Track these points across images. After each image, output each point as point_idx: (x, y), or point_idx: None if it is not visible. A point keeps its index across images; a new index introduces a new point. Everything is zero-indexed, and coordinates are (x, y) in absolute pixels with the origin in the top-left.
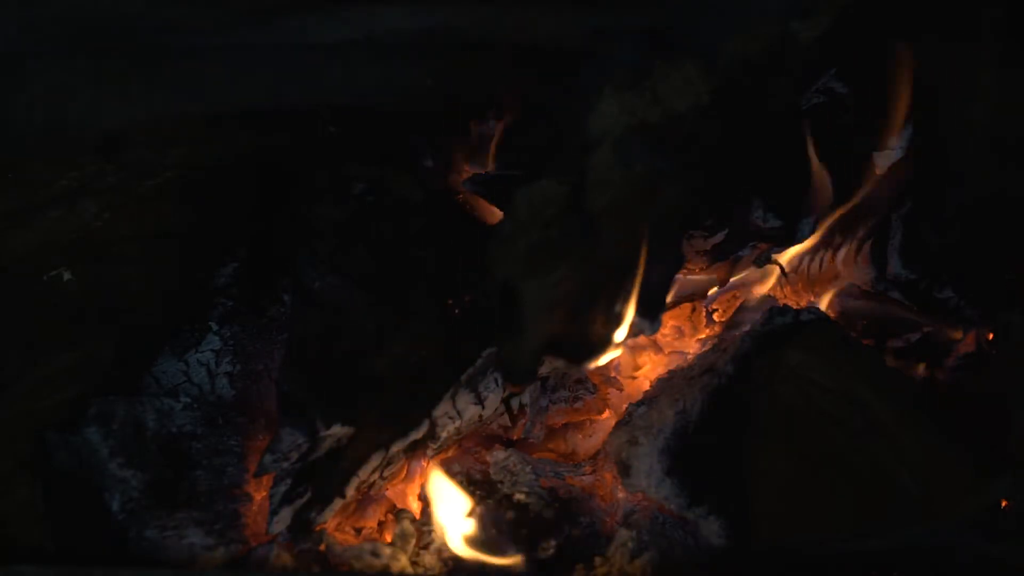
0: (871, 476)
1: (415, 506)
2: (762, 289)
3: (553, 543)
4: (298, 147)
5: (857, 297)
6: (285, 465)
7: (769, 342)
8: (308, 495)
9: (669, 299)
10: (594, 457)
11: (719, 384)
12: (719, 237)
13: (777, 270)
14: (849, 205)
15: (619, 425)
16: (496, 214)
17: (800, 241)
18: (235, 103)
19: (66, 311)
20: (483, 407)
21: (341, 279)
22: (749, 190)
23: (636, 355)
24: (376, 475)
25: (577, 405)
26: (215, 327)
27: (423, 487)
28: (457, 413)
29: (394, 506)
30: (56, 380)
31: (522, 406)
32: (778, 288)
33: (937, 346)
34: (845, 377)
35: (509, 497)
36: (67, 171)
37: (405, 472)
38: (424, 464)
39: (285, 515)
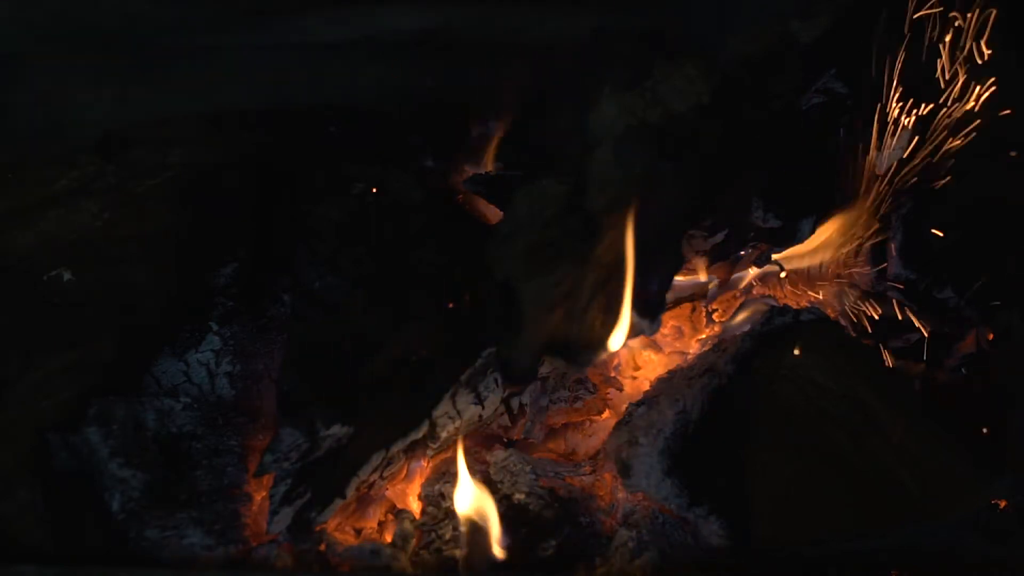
0: (871, 476)
1: (415, 506)
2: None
3: (553, 543)
4: (298, 147)
5: (857, 297)
6: (285, 465)
7: (769, 342)
8: (308, 495)
9: (669, 299)
10: (594, 457)
11: (719, 384)
12: (719, 237)
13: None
14: (849, 205)
15: (619, 425)
16: (496, 214)
17: (800, 241)
18: (235, 103)
19: (66, 311)
20: (483, 407)
21: (341, 279)
22: (749, 190)
23: (636, 355)
24: (376, 475)
25: (577, 405)
26: (215, 327)
27: (421, 487)
28: (457, 413)
29: (394, 506)
30: (56, 380)
31: (522, 406)
32: (778, 288)
33: (937, 346)
34: (845, 377)
35: (509, 497)
36: (67, 171)
37: (405, 472)
38: (424, 464)
39: (285, 515)
